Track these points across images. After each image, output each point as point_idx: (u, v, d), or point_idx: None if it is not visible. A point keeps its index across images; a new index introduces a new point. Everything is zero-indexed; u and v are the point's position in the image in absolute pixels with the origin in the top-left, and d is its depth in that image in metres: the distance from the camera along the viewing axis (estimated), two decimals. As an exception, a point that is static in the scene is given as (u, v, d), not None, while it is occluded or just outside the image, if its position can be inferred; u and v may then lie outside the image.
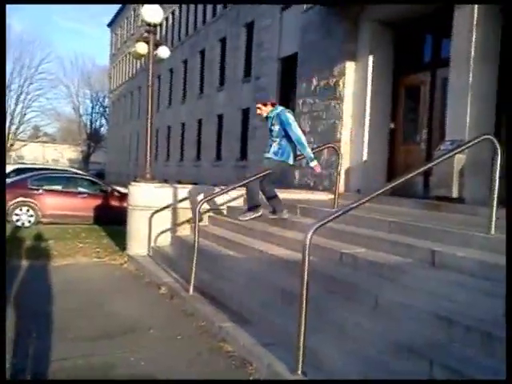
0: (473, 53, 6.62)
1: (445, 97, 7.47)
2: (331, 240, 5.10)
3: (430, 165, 4.52)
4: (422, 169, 4.19)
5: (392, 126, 9.05)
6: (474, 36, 6.63)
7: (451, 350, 2.95)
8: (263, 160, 6.22)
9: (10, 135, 52.55)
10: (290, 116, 5.98)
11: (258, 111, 6.18)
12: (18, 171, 15.15)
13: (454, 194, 6.56)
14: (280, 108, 6.10)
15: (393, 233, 4.93)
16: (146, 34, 9.45)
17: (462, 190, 6.53)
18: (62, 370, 3.40)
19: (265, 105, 6.12)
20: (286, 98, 13.00)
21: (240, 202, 7.92)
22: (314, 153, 6.19)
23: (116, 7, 44.14)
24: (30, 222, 11.40)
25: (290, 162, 6.13)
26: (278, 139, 6.01)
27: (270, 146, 6.11)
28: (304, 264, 3.14)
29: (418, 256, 4.21)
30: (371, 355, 3.20)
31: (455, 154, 4.75)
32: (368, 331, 3.39)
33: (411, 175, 3.91)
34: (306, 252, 3.14)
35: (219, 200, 7.43)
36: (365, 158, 9.03)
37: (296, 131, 5.93)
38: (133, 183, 7.96)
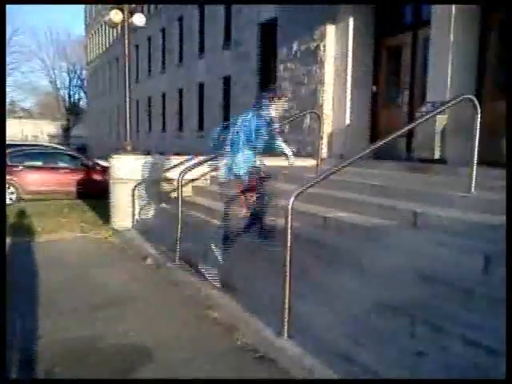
0: (453, 11, 6.54)
1: (426, 58, 7.40)
2: (315, 205, 5.12)
3: (409, 126, 4.51)
4: (401, 131, 4.16)
5: (374, 89, 8.98)
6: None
7: (434, 308, 3.01)
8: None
9: (-14, 112, 51.37)
10: None
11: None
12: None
13: (436, 156, 6.58)
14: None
15: (375, 196, 4.95)
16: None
17: (444, 151, 6.55)
18: (50, 345, 3.40)
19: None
20: (268, 63, 12.81)
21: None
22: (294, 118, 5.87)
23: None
24: (11, 199, 11.17)
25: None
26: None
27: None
28: (287, 229, 3.17)
29: (400, 218, 4.24)
30: (356, 315, 3.25)
31: (435, 114, 4.75)
32: (353, 292, 3.44)
33: (391, 137, 3.89)
34: (289, 217, 3.18)
35: (202, 170, 7.37)
36: (347, 122, 8.99)
37: None
38: (114, 156, 7.83)
